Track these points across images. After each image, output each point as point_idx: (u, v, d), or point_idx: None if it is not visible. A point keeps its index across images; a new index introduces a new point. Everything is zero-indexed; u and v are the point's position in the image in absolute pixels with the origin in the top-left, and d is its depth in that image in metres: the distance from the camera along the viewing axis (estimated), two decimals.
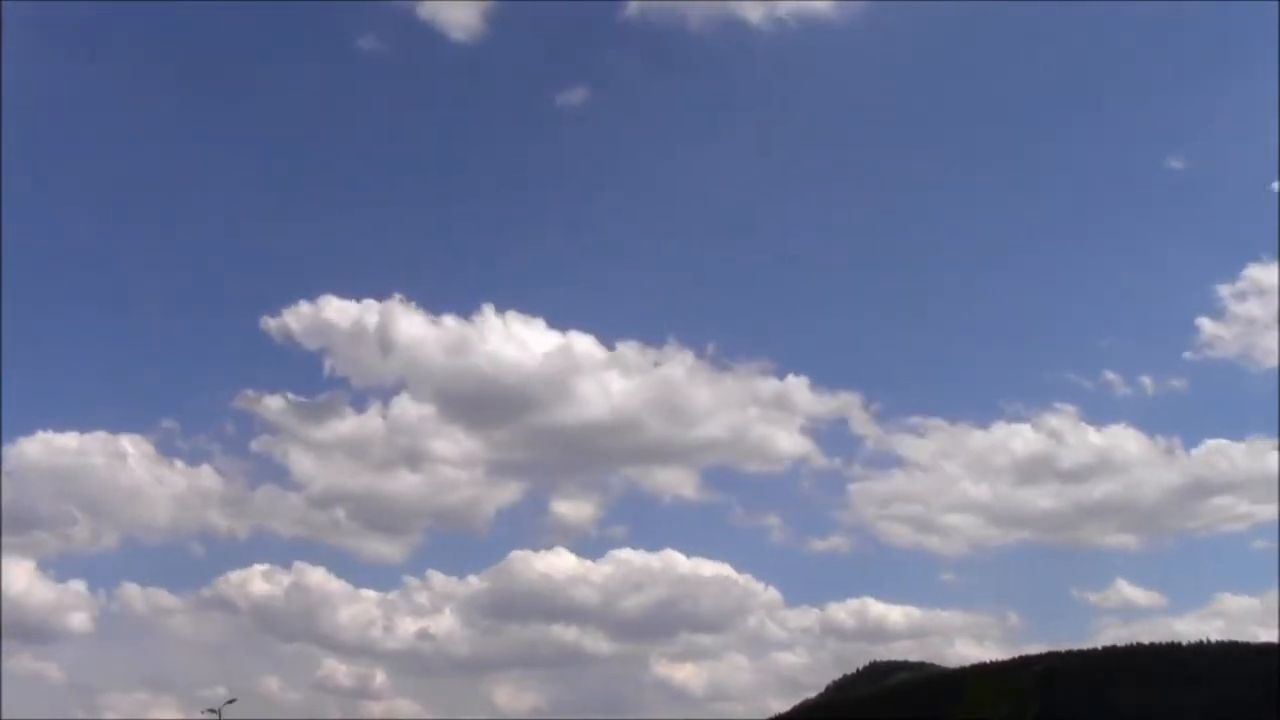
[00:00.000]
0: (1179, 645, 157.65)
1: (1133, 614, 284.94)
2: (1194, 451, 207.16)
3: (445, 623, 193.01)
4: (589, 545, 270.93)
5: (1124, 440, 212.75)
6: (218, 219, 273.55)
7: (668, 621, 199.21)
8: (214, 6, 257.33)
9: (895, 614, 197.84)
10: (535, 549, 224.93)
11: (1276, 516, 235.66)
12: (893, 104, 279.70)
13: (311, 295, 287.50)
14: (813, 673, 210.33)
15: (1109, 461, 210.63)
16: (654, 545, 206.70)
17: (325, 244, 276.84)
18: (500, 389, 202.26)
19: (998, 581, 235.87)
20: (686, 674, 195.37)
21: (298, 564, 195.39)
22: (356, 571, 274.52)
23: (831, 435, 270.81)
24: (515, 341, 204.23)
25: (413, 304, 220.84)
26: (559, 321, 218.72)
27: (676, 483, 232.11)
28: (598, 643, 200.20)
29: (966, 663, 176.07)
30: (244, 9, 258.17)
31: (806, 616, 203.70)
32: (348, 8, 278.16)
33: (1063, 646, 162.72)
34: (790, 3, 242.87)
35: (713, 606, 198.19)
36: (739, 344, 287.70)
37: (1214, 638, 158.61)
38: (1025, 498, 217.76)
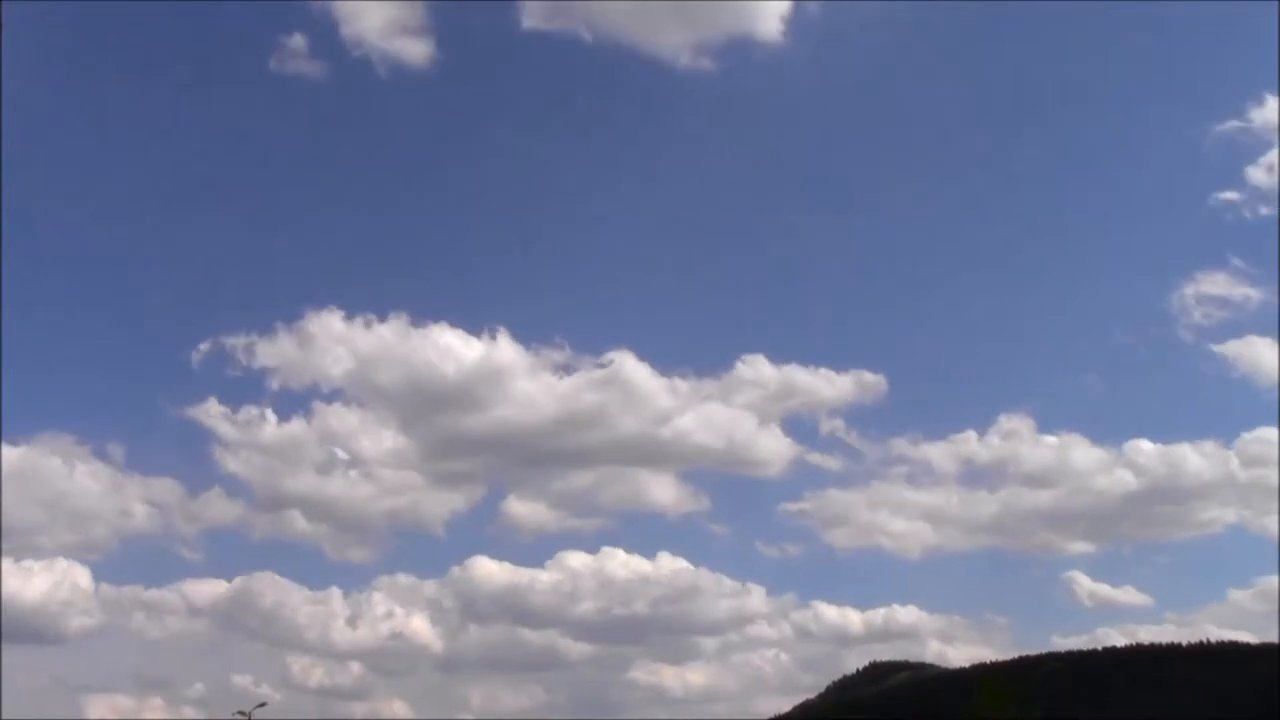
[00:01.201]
0: (1179, 646, 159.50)
1: (1104, 617, 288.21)
2: (1151, 456, 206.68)
3: (413, 625, 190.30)
4: (544, 548, 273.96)
5: (1080, 447, 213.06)
6: (167, 229, 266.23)
7: (625, 621, 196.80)
8: (149, 16, 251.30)
9: (855, 618, 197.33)
10: (491, 554, 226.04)
11: (1236, 520, 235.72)
12: (847, 120, 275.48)
13: (254, 305, 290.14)
14: (789, 674, 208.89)
15: (1069, 468, 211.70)
16: (612, 548, 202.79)
17: (276, 254, 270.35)
18: (448, 393, 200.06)
19: (965, 586, 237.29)
20: (661, 676, 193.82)
21: (251, 569, 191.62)
22: (315, 575, 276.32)
23: (799, 437, 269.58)
24: (455, 348, 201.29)
25: (356, 313, 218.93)
26: (516, 330, 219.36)
27: (642, 485, 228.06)
28: (567, 645, 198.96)
29: (948, 665, 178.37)
30: (170, 26, 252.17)
31: (777, 619, 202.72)
32: (270, 21, 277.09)
33: (1037, 649, 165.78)
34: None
35: (683, 609, 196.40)
36: (699, 348, 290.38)
37: (1186, 640, 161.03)
38: (987, 504, 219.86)
